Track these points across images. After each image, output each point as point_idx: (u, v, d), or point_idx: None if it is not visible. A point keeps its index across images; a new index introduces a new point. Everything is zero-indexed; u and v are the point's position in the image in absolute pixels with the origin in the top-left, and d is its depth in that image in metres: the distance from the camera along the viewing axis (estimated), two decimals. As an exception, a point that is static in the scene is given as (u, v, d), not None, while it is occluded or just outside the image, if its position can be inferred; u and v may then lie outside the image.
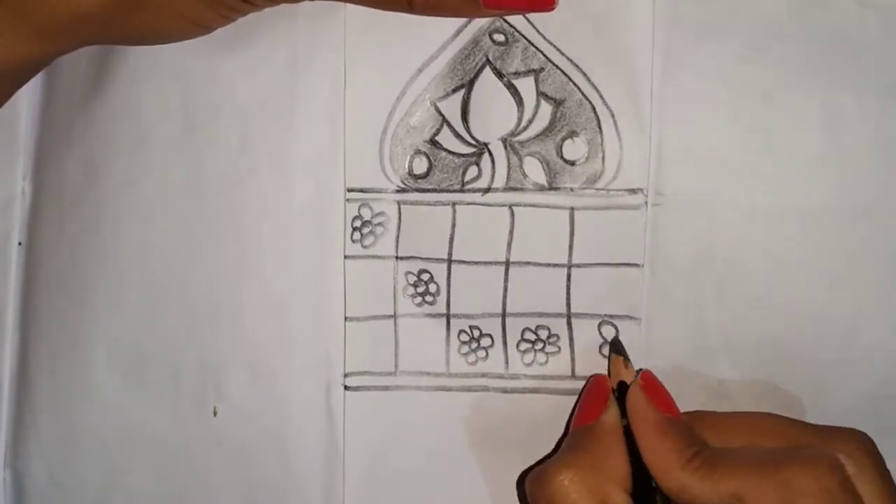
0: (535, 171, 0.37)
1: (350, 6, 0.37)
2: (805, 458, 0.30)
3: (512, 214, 0.37)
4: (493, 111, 0.37)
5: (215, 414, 0.39)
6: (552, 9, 0.36)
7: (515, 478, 0.38)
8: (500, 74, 0.37)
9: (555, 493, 0.32)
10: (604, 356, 0.37)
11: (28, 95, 0.41)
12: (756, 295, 0.37)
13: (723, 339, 0.37)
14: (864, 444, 0.33)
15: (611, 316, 0.37)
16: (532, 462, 0.37)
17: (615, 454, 0.33)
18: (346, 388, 0.39)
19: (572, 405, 0.37)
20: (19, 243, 0.41)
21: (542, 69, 0.37)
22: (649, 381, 0.34)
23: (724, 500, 0.30)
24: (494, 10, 0.36)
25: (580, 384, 0.37)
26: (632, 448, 0.33)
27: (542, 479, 0.32)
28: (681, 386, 0.37)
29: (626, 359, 0.36)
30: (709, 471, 0.31)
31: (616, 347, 0.37)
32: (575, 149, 0.37)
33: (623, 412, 0.34)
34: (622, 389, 0.35)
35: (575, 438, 0.34)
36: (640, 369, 0.35)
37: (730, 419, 0.34)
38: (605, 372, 0.37)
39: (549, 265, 0.37)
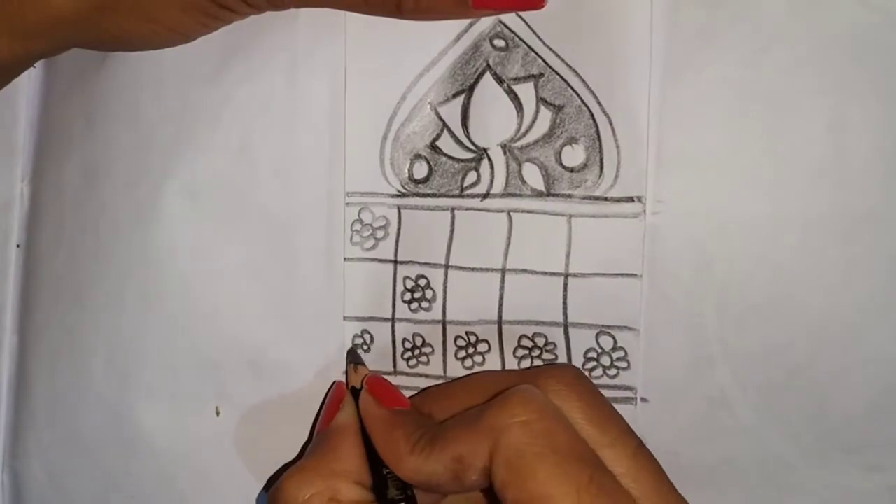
0: (533, 178, 0.37)
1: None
2: (499, 399, 0.31)
3: (510, 220, 0.37)
4: (493, 117, 0.37)
5: (218, 414, 0.39)
6: (542, 6, 0.36)
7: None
8: (500, 80, 0.37)
9: (283, 499, 0.33)
10: (586, 368, 0.37)
11: (27, 97, 0.41)
12: (756, 303, 0.36)
13: (723, 348, 0.36)
14: (567, 375, 0.34)
15: (608, 326, 0.37)
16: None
17: (345, 451, 0.34)
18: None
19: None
20: (18, 245, 0.41)
21: (541, 75, 0.37)
22: (374, 383, 0.36)
23: (449, 468, 0.31)
24: (483, 11, 0.36)
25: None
26: (370, 445, 0.34)
27: (273, 490, 0.33)
28: (680, 396, 0.37)
29: (357, 365, 0.38)
30: (431, 447, 0.32)
31: (351, 357, 0.38)
32: (574, 155, 0.37)
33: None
34: (357, 393, 0.36)
35: (313, 442, 0.36)
36: (370, 374, 0.37)
37: (448, 388, 0.36)
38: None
39: (545, 273, 0.37)
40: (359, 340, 0.39)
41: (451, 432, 0.32)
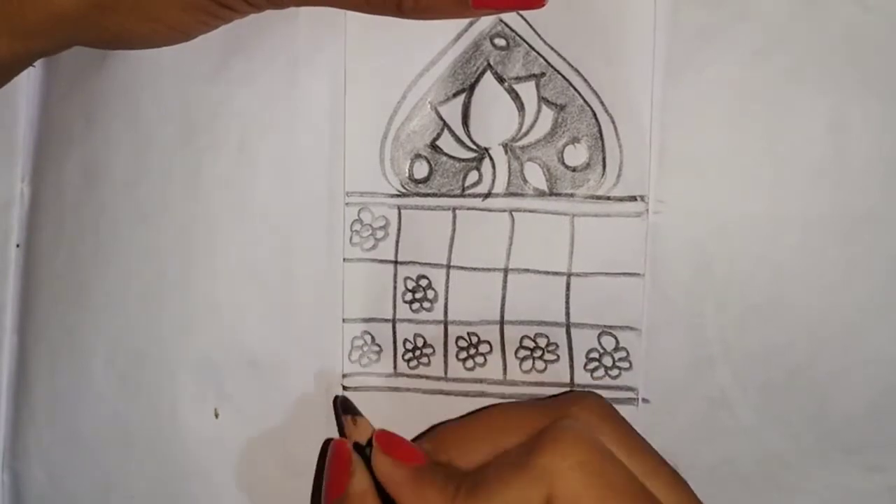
0: (535, 177, 0.37)
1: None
2: (550, 440, 0.30)
3: (512, 220, 0.37)
4: (494, 116, 0.37)
5: (217, 416, 0.39)
6: (543, 5, 0.36)
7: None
8: (501, 79, 0.37)
9: None
10: (588, 369, 0.37)
11: (27, 97, 0.41)
12: (757, 303, 0.36)
13: (724, 348, 0.36)
14: (594, 405, 0.33)
15: (610, 326, 0.37)
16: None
17: None
18: (344, 388, 0.38)
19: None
20: (18, 245, 0.41)
21: (543, 74, 0.37)
22: (386, 440, 0.34)
23: None
24: (484, 11, 0.36)
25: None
26: None
27: None
28: (681, 395, 0.37)
29: (356, 417, 0.36)
30: (474, 498, 0.30)
31: (343, 407, 0.37)
32: (576, 155, 0.37)
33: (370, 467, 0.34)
34: (361, 449, 0.34)
35: None
36: (374, 429, 0.35)
37: (464, 430, 0.34)
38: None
39: (548, 273, 0.37)
40: (359, 342, 0.38)
41: (496, 481, 0.30)
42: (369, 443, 0.34)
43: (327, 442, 0.38)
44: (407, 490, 0.32)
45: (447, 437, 0.34)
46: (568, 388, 0.37)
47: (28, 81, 0.41)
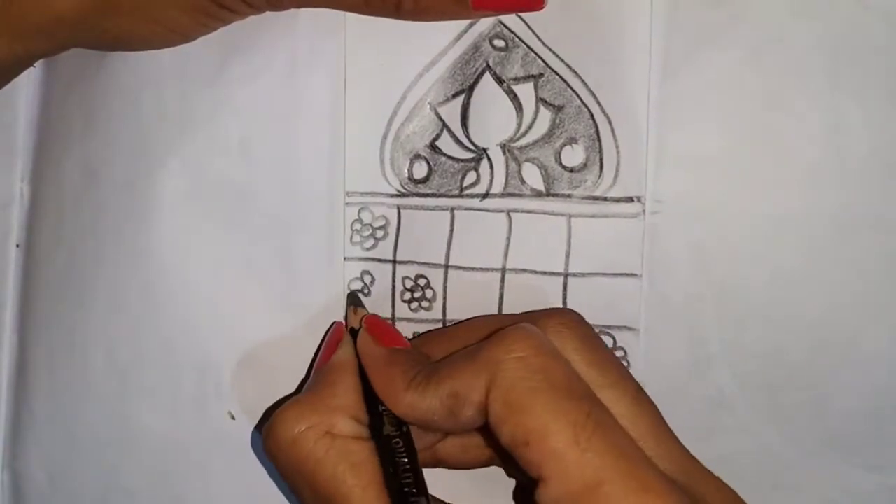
0: (533, 178, 0.37)
1: (350, 11, 0.37)
2: (497, 336, 0.31)
3: (510, 220, 0.37)
4: (493, 117, 0.37)
5: (233, 418, 0.39)
6: (542, 7, 0.36)
7: (512, 480, 0.38)
8: (499, 80, 0.37)
9: (280, 434, 0.32)
10: None
11: (26, 97, 0.41)
12: (756, 303, 0.36)
13: (722, 348, 0.37)
14: (567, 317, 0.33)
15: (608, 326, 0.37)
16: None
17: (344, 387, 0.34)
18: (344, 389, 0.39)
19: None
20: (17, 245, 0.41)
21: (541, 75, 0.37)
22: (372, 322, 0.36)
23: (445, 403, 0.31)
24: (483, 12, 0.36)
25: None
26: (367, 383, 0.34)
27: (270, 425, 0.33)
28: (680, 396, 0.37)
29: (357, 307, 0.38)
30: (427, 383, 0.32)
31: (351, 299, 0.38)
32: (573, 155, 0.37)
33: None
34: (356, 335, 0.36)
35: (310, 379, 0.36)
36: (368, 314, 0.37)
37: (448, 330, 0.36)
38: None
39: (545, 273, 0.37)
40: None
41: (447, 368, 0.32)
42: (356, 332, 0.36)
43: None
44: (377, 365, 0.34)
45: (431, 335, 0.37)
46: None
47: (28, 81, 0.41)
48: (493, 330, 0.33)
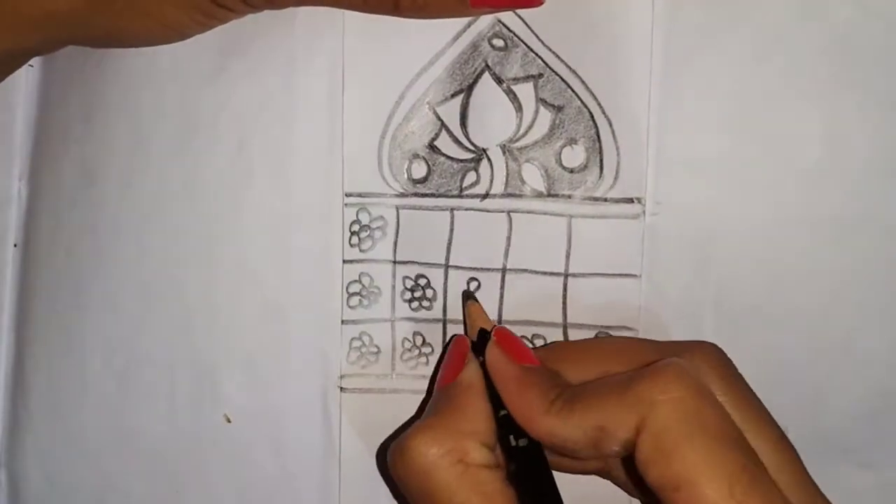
0: (533, 178, 0.37)
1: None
2: (651, 372, 0.30)
3: (510, 221, 0.37)
4: (492, 117, 0.37)
5: (229, 421, 0.39)
6: (540, 4, 0.36)
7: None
8: (499, 80, 0.37)
9: (411, 459, 0.31)
10: None
11: (24, 96, 0.41)
12: (754, 305, 0.36)
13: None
14: (710, 354, 0.33)
15: (608, 327, 0.37)
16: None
17: (473, 410, 0.33)
18: (341, 389, 0.38)
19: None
20: (15, 245, 0.41)
21: (541, 75, 0.37)
22: (503, 336, 0.34)
23: (590, 435, 0.30)
24: (482, 10, 0.36)
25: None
26: (496, 402, 0.33)
27: (399, 448, 0.32)
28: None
29: (477, 312, 0.36)
30: (570, 409, 0.31)
31: (470, 296, 0.37)
32: (573, 156, 0.37)
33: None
34: (481, 341, 0.35)
35: (435, 399, 0.34)
36: (496, 325, 0.35)
37: (580, 351, 0.34)
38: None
39: (545, 273, 0.37)
40: (357, 343, 0.38)
41: (593, 398, 0.30)
42: (482, 339, 0.35)
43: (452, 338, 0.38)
44: (512, 386, 0.32)
45: (560, 351, 0.35)
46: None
47: (26, 80, 0.41)
48: (632, 357, 0.32)
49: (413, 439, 0.31)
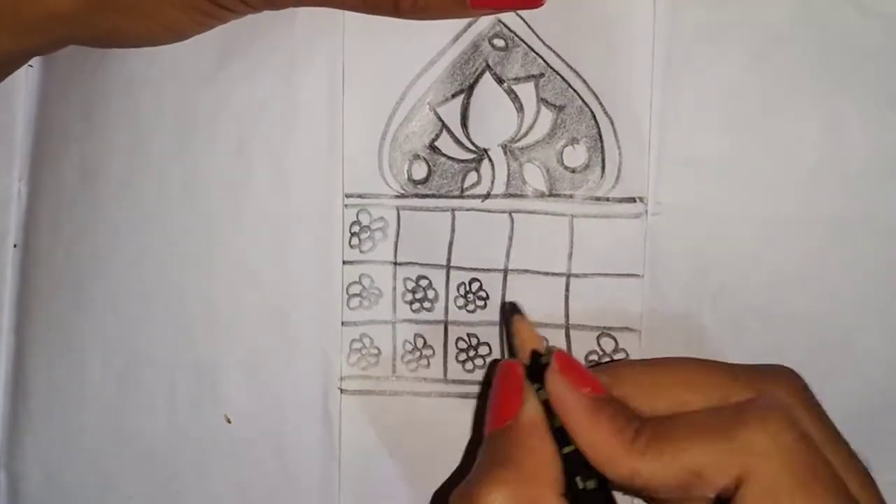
0: (535, 178, 0.37)
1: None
2: (757, 417, 0.28)
3: (511, 221, 0.37)
4: (493, 117, 0.37)
5: (229, 422, 0.39)
6: (541, 5, 0.36)
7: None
8: (499, 80, 0.37)
9: None
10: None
11: (24, 96, 0.41)
12: (755, 305, 0.36)
13: (721, 348, 0.37)
14: (793, 383, 0.31)
15: (610, 328, 0.37)
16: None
17: (543, 456, 0.30)
18: (342, 391, 0.38)
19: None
20: (15, 245, 0.41)
21: (542, 75, 0.37)
22: (566, 362, 0.31)
23: (682, 479, 0.28)
24: (482, 10, 0.36)
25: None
26: (558, 439, 0.30)
27: (466, 495, 0.29)
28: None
29: (526, 332, 0.33)
30: (658, 449, 0.28)
31: (515, 310, 0.35)
32: (575, 156, 0.37)
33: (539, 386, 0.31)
34: (534, 365, 0.32)
35: (495, 444, 0.31)
36: (549, 346, 0.32)
37: (650, 376, 0.32)
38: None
39: (547, 273, 0.37)
40: (357, 345, 0.38)
41: (689, 438, 0.28)
42: (536, 363, 0.32)
43: (494, 363, 0.36)
44: (582, 419, 0.30)
45: (626, 375, 0.32)
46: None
47: (26, 80, 0.41)
48: (709, 384, 0.31)
49: (487, 493, 0.29)
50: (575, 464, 0.30)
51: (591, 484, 0.30)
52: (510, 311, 0.36)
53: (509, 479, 0.29)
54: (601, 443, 0.29)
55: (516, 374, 0.32)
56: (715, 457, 0.28)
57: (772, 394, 0.30)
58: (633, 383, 0.31)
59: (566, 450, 0.30)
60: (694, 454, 0.28)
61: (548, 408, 0.31)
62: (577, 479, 0.30)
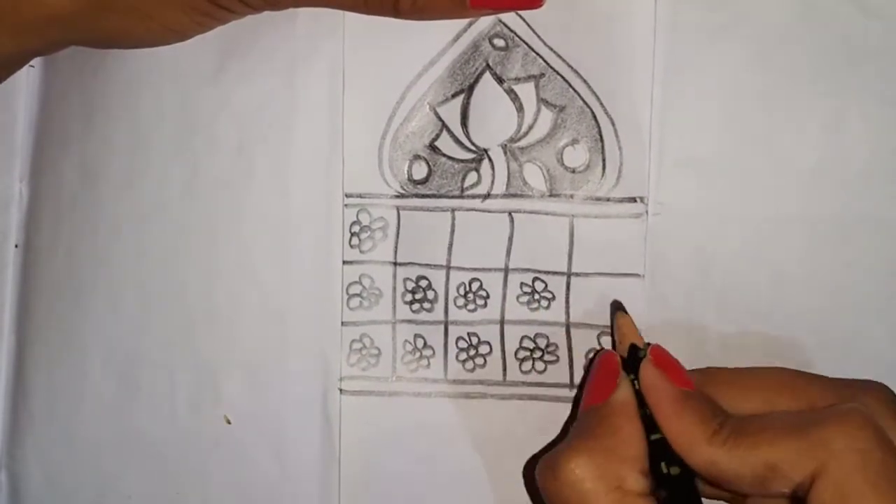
0: (535, 178, 0.37)
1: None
2: (836, 417, 0.29)
3: (511, 221, 0.37)
4: (493, 117, 0.37)
5: (229, 422, 0.39)
6: (540, 5, 0.36)
7: (513, 484, 0.38)
8: (500, 80, 0.37)
9: (567, 481, 0.30)
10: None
11: (25, 97, 0.41)
12: (756, 304, 0.36)
13: (723, 349, 0.37)
14: (883, 395, 0.31)
15: (610, 327, 0.37)
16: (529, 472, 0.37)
17: (629, 435, 0.31)
18: (342, 391, 0.38)
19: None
20: (16, 245, 0.41)
21: (542, 75, 0.37)
22: (661, 356, 0.33)
23: (758, 472, 0.29)
24: (481, 11, 0.36)
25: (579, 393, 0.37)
26: (647, 426, 0.32)
27: (553, 468, 0.31)
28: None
29: (627, 326, 0.35)
30: (737, 442, 0.29)
31: (619, 307, 0.36)
32: (575, 156, 0.37)
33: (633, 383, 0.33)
34: (632, 358, 0.33)
35: (585, 420, 0.33)
36: (648, 343, 0.34)
37: (742, 379, 0.33)
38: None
39: (548, 273, 0.37)
40: (357, 345, 0.38)
41: (766, 434, 0.29)
42: (633, 356, 0.33)
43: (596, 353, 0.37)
44: (669, 408, 0.31)
45: (717, 377, 0.33)
46: (568, 389, 0.37)
47: (27, 81, 0.41)
48: (799, 390, 0.31)
49: (569, 460, 0.30)
50: (661, 450, 0.31)
51: (674, 470, 0.31)
52: (615, 308, 0.36)
53: (593, 449, 0.31)
54: (684, 430, 0.30)
55: (614, 361, 0.34)
56: (791, 452, 0.28)
57: (858, 400, 0.30)
58: (724, 384, 0.32)
59: (653, 437, 0.31)
60: (771, 449, 0.29)
61: (640, 398, 0.32)
62: (662, 464, 0.31)
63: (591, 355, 0.37)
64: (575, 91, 0.37)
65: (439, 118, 0.37)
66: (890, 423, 0.30)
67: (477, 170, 0.37)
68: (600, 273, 0.37)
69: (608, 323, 0.37)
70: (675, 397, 0.31)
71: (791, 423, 0.29)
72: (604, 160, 0.37)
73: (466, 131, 0.37)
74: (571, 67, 0.37)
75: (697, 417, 0.30)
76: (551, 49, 0.37)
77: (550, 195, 0.37)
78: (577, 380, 0.37)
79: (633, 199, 0.37)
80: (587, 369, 0.37)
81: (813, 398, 0.31)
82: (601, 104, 0.36)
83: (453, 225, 0.38)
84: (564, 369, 0.37)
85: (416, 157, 0.38)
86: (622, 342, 0.35)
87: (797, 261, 0.36)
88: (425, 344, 0.38)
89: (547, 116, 0.37)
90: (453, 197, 0.38)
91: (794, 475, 0.28)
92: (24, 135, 0.41)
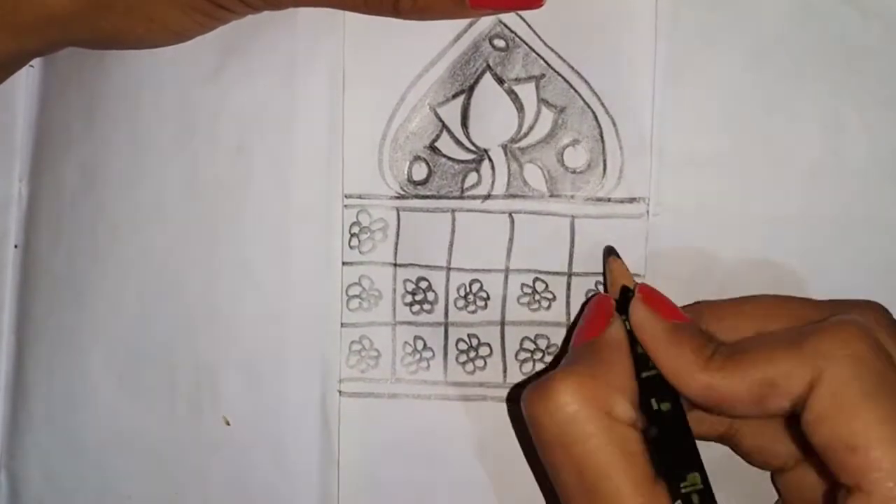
0: (535, 179, 0.37)
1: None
2: (832, 327, 0.28)
3: (512, 222, 0.37)
4: (494, 117, 0.37)
5: (228, 424, 0.39)
6: (541, 6, 0.36)
7: (513, 486, 0.38)
8: (500, 80, 0.37)
9: (553, 405, 0.30)
10: None
11: (25, 97, 0.41)
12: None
13: (722, 348, 0.37)
14: (879, 314, 0.31)
15: (602, 272, 0.37)
16: (531, 475, 0.37)
17: (620, 367, 0.31)
18: (341, 393, 0.38)
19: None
20: (16, 246, 0.41)
21: (542, 75, 0.37)
22: (649, 293, 0.33)
23: (755, 390, 0.29)
24: (482, 11, 0.36)
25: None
26: (637, 366, 0.31)
27: (540, 391, 0.30)
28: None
29: (618, 267, 0.35)
30: (732, 365, 0.29)
31: (612, 252, 0.36)
32: (576, 156, 0.37)
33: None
34: (624, 299, 0.33)
35: (576, 352, 0.32)
36: (637, 283, 0.34)
37: (733, 307, 0.33)
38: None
39: (549, 273, 0.37)
40: (357, 346, 0.38)
41: (761, 352, 0.29)
42: (625, 297, 0.33)
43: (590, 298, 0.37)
44: (661, 343, 0.31)
45: (709, 308, 0.33)
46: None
47: (26, 81, 0.41)
48: (791, 315, 0.31)
49: (559, 383, 0.30)
50: (652, 388, 0.31)
51: (665, 406, 0.31)
52: (607, 253, 0.36)
53: (583, 374, 0.30)
54: (678, 361, 0.30)
55: (607, 302, 0.34)
56: (787, 365, 0.28)
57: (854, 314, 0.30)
58: (715, 317, 0.32)
59: (644, 374, 0.31)
60: (767, 365, 0.28)
61: (632, 337, 0.32)
62: (653, 400, 0.31)
63: (590, 294, 0.37)
64: (576, 91, 0.37)
65: (439, 119, 0.37)
66: (886, 340, 0.30)
67: (477, 170, 0.37)
68: (601, 273, 0.37)
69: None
70: (666, 331, 0.31)
71: (786, 339, 0.29)
72: (604, 160, 0.37)
73: (467, 132, 0.37)
74: (572, 68, 0.37)
75: (690, 347, 0.30)
76: (552, 49, 0.37)
77: (551, 196, 0.37)
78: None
79: (634, 200, 0.37)
80: (579, 313, 0.37)
81: (804, 317, 0.31)
82: (602, 104, 0.36)
83: (453, 226, 0.38)
84: (565, 370, 0.37)
85: (417, 157, 0.38)
86: (614, 285, 0.35)
87: (797, 260, 0.36)
88: (425, 346, 0.38)
89: (547, 117, 0.37)
90: (453, 198, 0.38)
91: (792, 388, 0.28)
92: (23, 135, 0.41)
